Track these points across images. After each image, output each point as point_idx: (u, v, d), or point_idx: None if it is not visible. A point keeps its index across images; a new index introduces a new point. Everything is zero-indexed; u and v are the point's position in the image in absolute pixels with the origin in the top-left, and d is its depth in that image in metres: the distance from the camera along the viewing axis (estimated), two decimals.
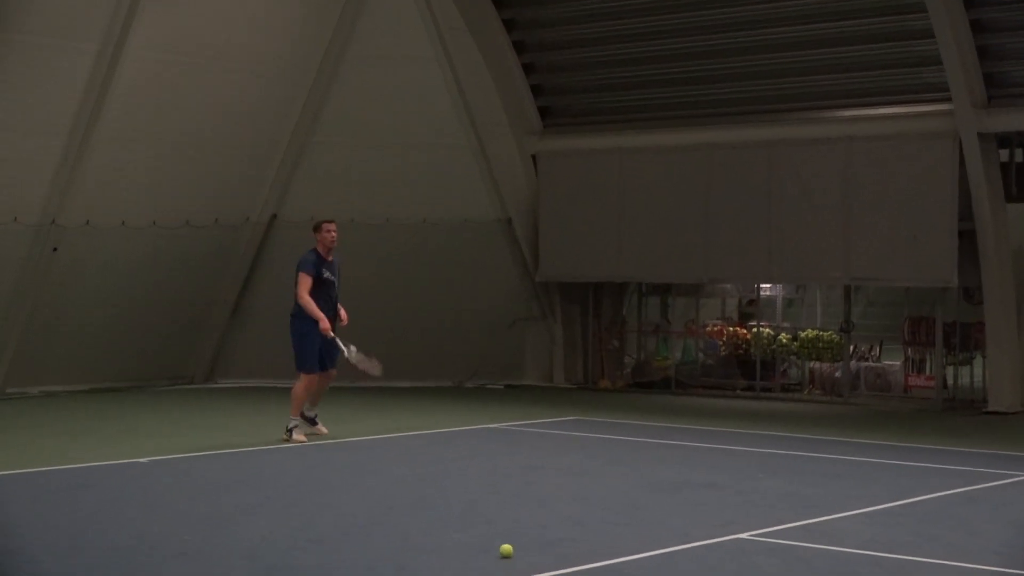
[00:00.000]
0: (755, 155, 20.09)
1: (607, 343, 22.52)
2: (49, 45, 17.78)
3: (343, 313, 14.72)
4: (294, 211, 21.26)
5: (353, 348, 14.63)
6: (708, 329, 22.34)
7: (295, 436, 14.47)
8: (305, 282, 14.33)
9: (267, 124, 20.55)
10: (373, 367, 14.83)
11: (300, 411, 14.66)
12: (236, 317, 21.50)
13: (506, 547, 8.84)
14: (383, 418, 17.36)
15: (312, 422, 14.90)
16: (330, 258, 14.60)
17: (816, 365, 21.19)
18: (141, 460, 13.15)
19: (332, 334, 14.38)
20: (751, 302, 22.43)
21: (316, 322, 14.25)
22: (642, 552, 9.04)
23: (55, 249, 18.94)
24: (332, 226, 14.60)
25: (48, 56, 17.83)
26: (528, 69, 21.92)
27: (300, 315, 14.40)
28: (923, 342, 20.19)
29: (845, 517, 10.51)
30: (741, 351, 21.69)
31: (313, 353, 14.49)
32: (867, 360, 21.38)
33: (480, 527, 9.88)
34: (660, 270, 21.31)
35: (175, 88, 19.17)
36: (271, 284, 20.89)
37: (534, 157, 22.05)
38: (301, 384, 14.57)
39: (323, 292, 14.43)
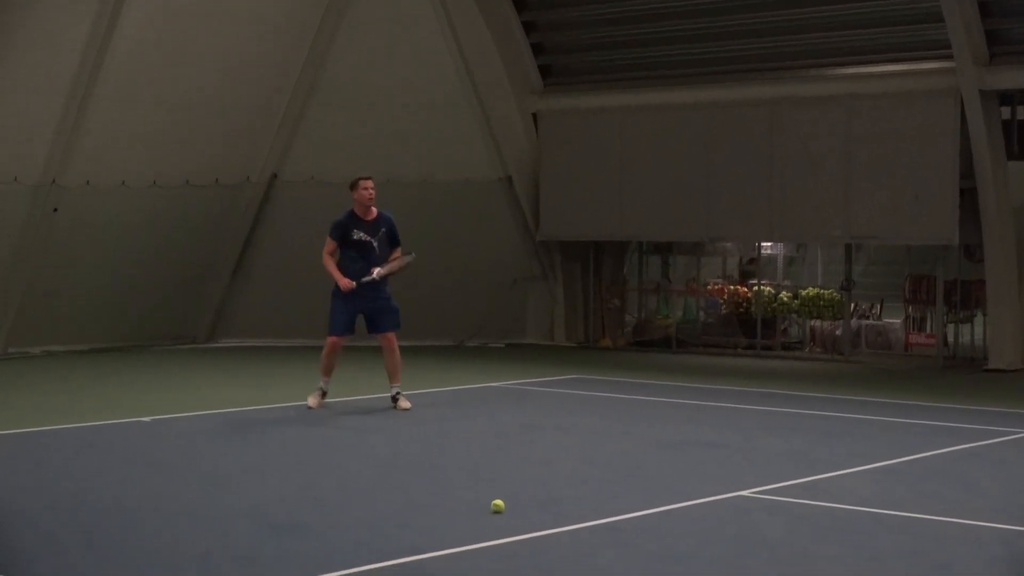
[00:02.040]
0: (756, 113, 20.05)
1: (608, 302, 22.53)
2: (49, 4, 17.72)
3: (375, 270, 13.75)
4: (294, 171, 21.26)
5: (376, 270, 13.74)
6: (709, 288, 22.36)
7: (308, 400, 14.05)
8: (327, 246, 13.83)
9: (267, 84, 20.49)
10: (400, 261, 14.01)
11: (325, 373, 14.05)
12: (237, 277, 21.50)
13: (497, 502, 8.87)
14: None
15: (392, 400, 14.16)
16: (369, 217, 13.80)
17: (817, 323, 21.21)
18: (143, 419, 13.18)
19: (354, 285, 13.63)
20: (752, 261, 22.43)
21: (337, 289, 13.76)
22: (642, 510, 9.07)
23: (55, 209, 18.95)
24: (368, 183, 13.77)
25: (48, 15, 17.77)
26: (529, 27, 21.84)
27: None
28: (924, 300, 20.21)
29: (846, 474, 10.54)
30: (742, 310, 21.70)
31: (336, 317, 13.92)
32: (868, 318, 21.40)
33: (481, 485, 9.92)
34: (661, 229, 21.31)
35: (175, 47, 19.12)
36: (272, 244, 20.93)
37: (535, 116, 22.00)
38: (325, 346, 14.10)
39: (354, 254, 13.75)
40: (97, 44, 18.22)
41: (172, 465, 10.90)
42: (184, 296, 20.95)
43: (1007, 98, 18.84)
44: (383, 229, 13.89)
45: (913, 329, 20.64)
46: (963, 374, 18.58)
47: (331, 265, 13.77)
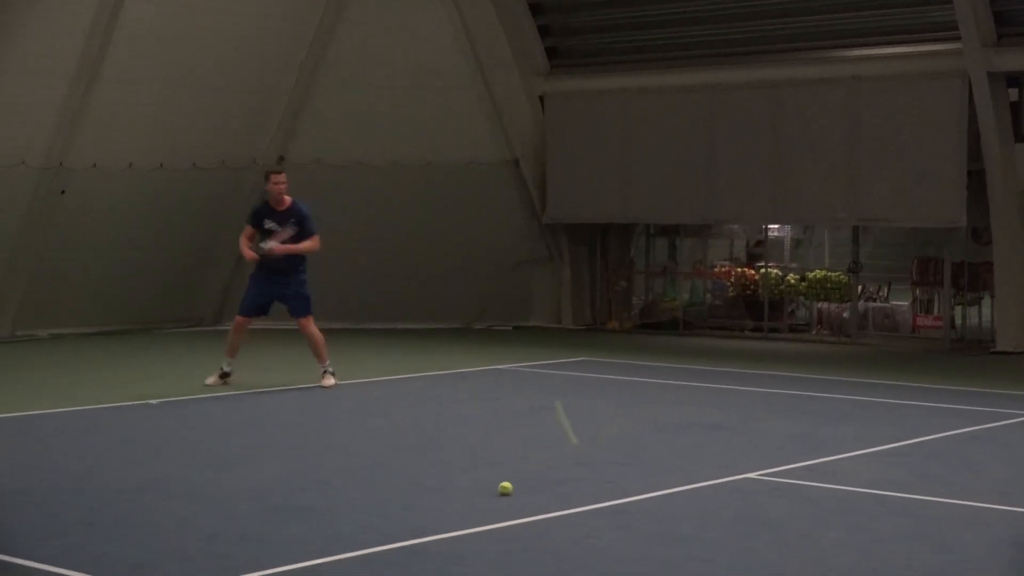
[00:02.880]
0: (761, 95, 19.99)
1: (615, 284, 22.51)
2: None
3: (271, 243, 14.25)
4: (300, 153, 21.23)
5: (271, 244, 14.27)
6: (716, 270, 22.34)
7: (208, 380, 14.39)
8: (245, 231, 14.55)
9: (273, 65, 20.46)
10: (303, 247, 14.41)
11: (230, 354, 14.47)
12: (243, 259, 21.43)
13: (505, 484, 8.89)
14: (390, 360, 17.39)
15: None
16: (280, 207, 14.34)
17: (824, 306, 21.20)
18: (151, 402, 13.20)
19: (254, 255, 14.27)
20: (759, 243, 22.41)
21: (256, 267, 14.43)
22: (648, 492, 9.07)
23: (63, 192, 18.95)
24: (278, 178, 14.41)
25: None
26: (535, 9, 21.77)
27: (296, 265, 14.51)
28: (931, 282, 20.18)
29: (851, 457, 10.54)
30: (749, 292, 21.68)
31: (245, 298, 14.68)
32: (875, 300, 21.38)
33: (486, 468, 9.92)
34: (667, 211, 21.28)
35: (181, 29, 19.09)
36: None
37: (541, 98, 21.96)
38: (232, 326, 14.87)
39: (265, 239, 14.39)
40: (102, 25, 18.21)
41: (177, 447, 10.92)
42: (190, 278, 20.96)
43: (1014, 80, 18.74)
44: (291, 219, 14.36)
45: (920, 311, 20.62)
46: (970, 356, 18.56)
47: (243, 244, 14.49)
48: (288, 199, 14.41)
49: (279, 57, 20.47)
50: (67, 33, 18.11)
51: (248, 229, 14.51)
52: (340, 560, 7.32)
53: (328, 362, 14.53)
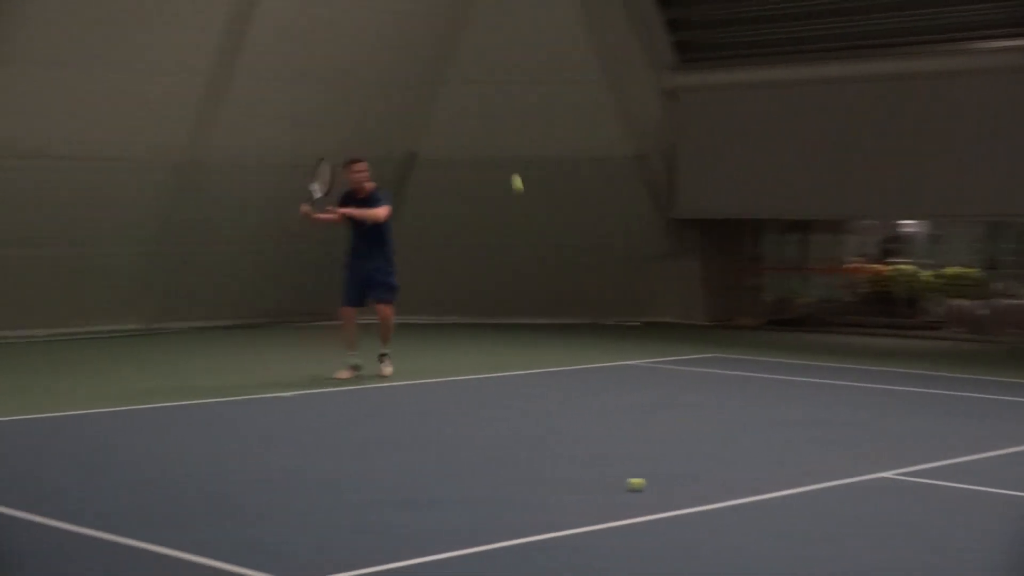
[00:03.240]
0: (897, 88, 19.66)
1: (746, 280, 22.33)
2: None
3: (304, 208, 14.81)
4: (432, 149, 21.36)
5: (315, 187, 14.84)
6: (848, 266, 22.05)
7: (340, 374, 14.64)
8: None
9: (405, 62, 20.58)
10: (321, 176, 14.95)
11: (349, 348, 14.74)
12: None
13: (636, 479, 8.85)
14: (520, 355, 17.43)
15: (379, 358, 14.95)
16: (361, 195, 14.72)
17: (959, 303, 20.81)
18: (282, 394, 13.37)
19: (308, 209, 14.67)
20: (892, 239, 22.08)
21: (350, 257, 14.85)
22: (781, 490, 8.98)
23: (198, 188, 19.27)
24: (360, 166, 14.77)
25: None
26: (663, 3, 21.62)
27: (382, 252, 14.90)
28: None
29: (989, 457, 10.34)
30: (881, 288, 21.38)
31: (344, 289, 14.95)
32: (1011, 298, 20.95)
33: (615, 463, 9.89)
34: (799, 206, 21.01)
35: (314, 25, 19.27)
36: (410, 221, 20.99)
37: (669, 93, 21.81)
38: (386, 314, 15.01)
39: (351, 228, 14.80)
40: (237, 22, 18.45)
41: (308, 439, 11.04)
42: (320, 273, 21.16)
43: None
44: (372, 205, 14.75)
45: None
46: None
47: (324, 214, 14.85)
48: (370, 186, 14.78)
49: (410, 53, 20.58)
50: (203, 29, 18.39)
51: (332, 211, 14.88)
52: (467, 554, 7.34)
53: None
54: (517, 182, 8.70)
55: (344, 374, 14.58)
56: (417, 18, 20.44)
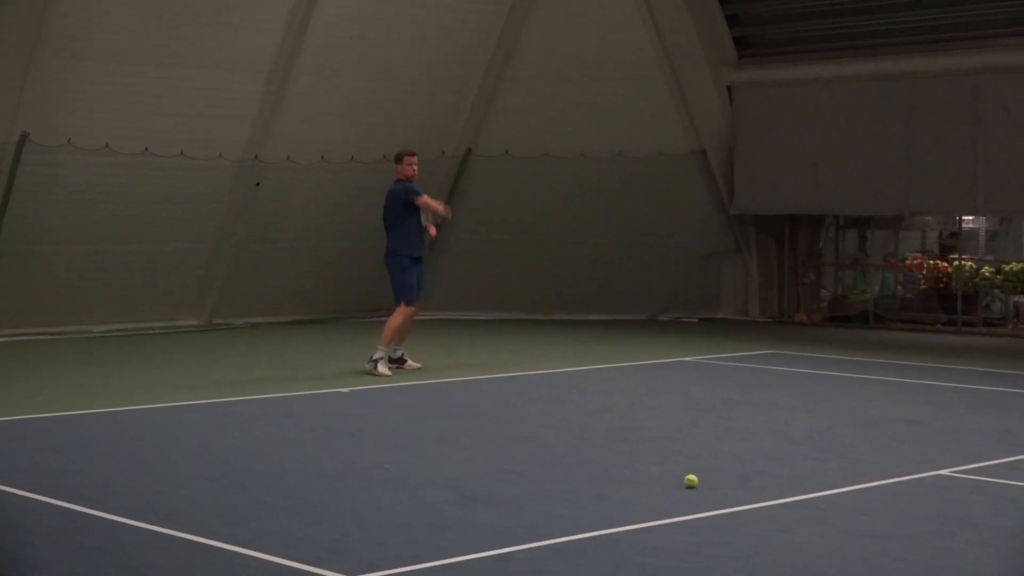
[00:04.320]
0: (958, 83, 19.51)
1: (803, 276, 22.23)
2: None
3: (432, 229, 15.19)
4: (488, 145, 21.43)
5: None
6: (908, 262, 21.91)
7: (380, 368, 14.59)
8: (423, 198, 14.80)
9: (462, 58, 20.65)
10: (439, 209, 15.23)
11: (389, 343, 14.81)
12: (432, 250, 21.74)
13: (691, 476, 8.86)
14: (578, 351, 17.44)
15: (401, 360, 15.03)
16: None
17: (1021, 299, 20.62)
18: (341, 390, 13.46)
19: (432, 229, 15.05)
20: (952, 235, 21.92)
21: (411, 259, 14.82)
22: (842, 487, 8.96)
23: (258, 184, 19.43)
24: (412, 159, 14.89)
25: None
26: None
27: (395, 252, 14.87)
28: None
29: None
30: (942, 285, 21.22)
31: (411, 285, 14.88)
32: None
33: (677, 459, 9.90)
34: (858, 202, 20.88)
35: (373, 23, 19.38)
36: (467, 217, 21.09)
37: (730, 88, 21.75)
38: (399, 316, 14.81)
39: (415, 218, 14.84)
40: (298, 20, 18.58)
41: (370, 435, 11.12)
42: (378, 268, 21.22)
43: None
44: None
45: None
46: None
47: (431, 200, 15.06)
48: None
49: (469, 50, 20.65)
50: (264, 28, 18.53)
51: (424, 196, 14.94)
52: (531, 549, 7.38)
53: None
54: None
55: (386, 370, 14.66)
56: (477, 15, 20.49)
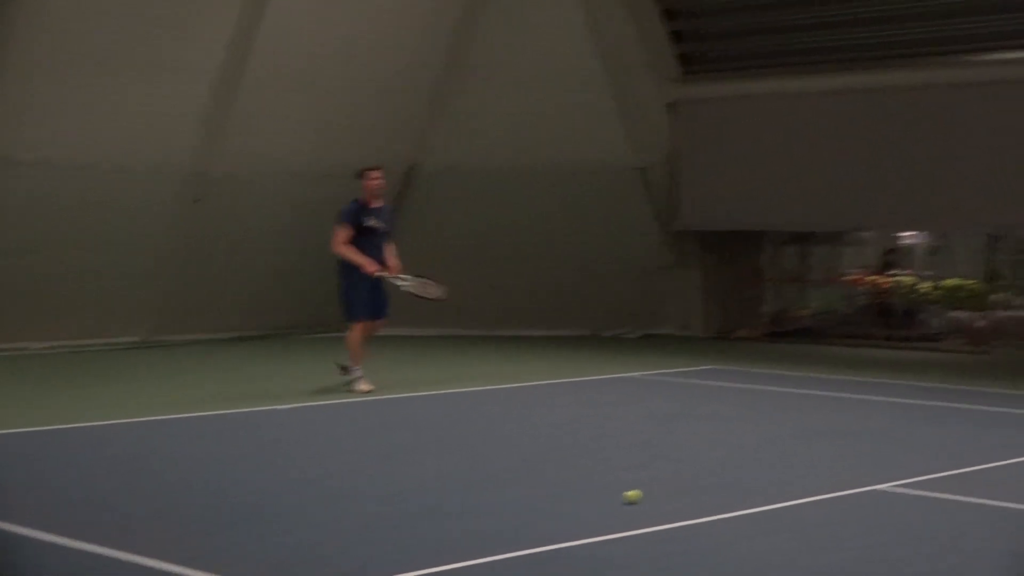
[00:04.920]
0: (898, 100, 19.71)
1: (745, 292, 22.36)
2: None
3: (392, 261, 14.52)
4: (433, 160, 21.41)
5: (408, 278, 14.52)
6: (848, 278, 22.08)
7: (359, 386, 14.35)
8: (339, 234, 14.27)
9: (408, 73, 20.59)
10: (433, 290, 14.75)
11: (359, 360, 14.45)
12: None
13: (632, 492, 8.88)
14: (521, 367, 17.45)
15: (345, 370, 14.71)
16: (375, 204, 14.48)
17: (958, 314, 20.84)
18: (279, 407, 13.39)
19: (381, 273, 14.27)
20: (892, 250, 22.12)
21: (359, 270, 14.19)
22: (783, 501, 9.01)
23: (199, 199, 19.29)
24: (377, 173, 14.49)
25: (195, 5, 18.04)
26: (669, 15, 21.67)
27: (344, 267, 14.39)
28: None
29: (991, 468, 10.36)
30: (881, 300, 21.41)
31: (361, 301, 14.41)
32: (1011, 309, 20.97)
33: (617, 474, 9.91)
34: (799, 218, 21.05)
35: (318, 36, 19.26)
36: (412, 232, 21.01)
37: (673, 104, 21.86)
38: (354, 333, 14.48)
39: (367, 240, 14.31)
40: (244, 32, 18.43)
41: (312, 452, 11.06)
42: (323, 285, 21.12)
43: None
44: (388, 218, 14.73)
45: None
46: None
47: (351, 251, 14.29)
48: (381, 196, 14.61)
49: (415, 63, 20.59)
50: (208, 40, 18.36)
51: (343, 234, 14.29)
52: (486, 563, 7.37)
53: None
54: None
55: (369, 386, 14.43)
56: (423, 28, 20.47)
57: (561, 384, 15.74)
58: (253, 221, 20.03)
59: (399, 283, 14.43)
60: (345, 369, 14.67)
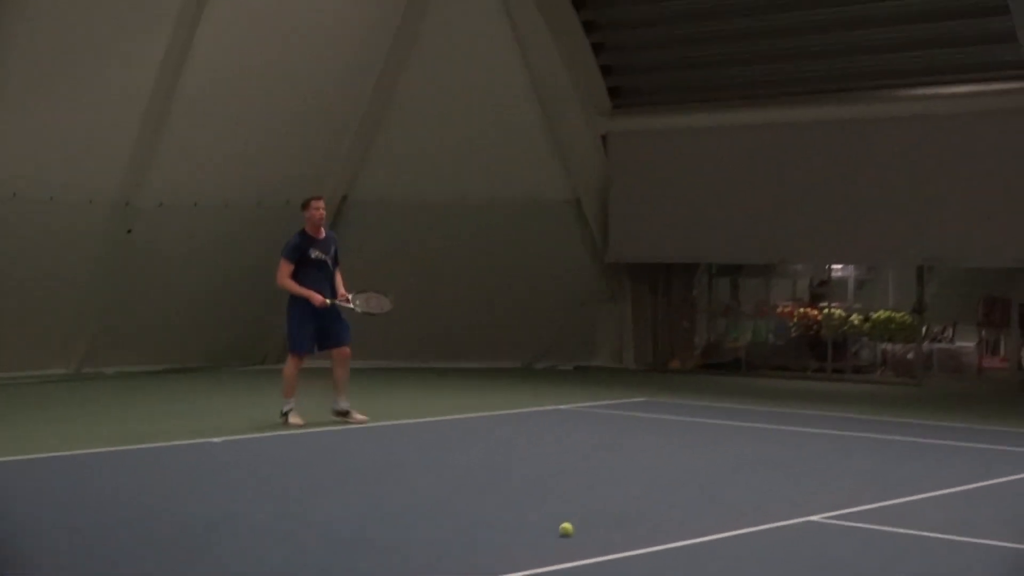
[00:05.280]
0: (828, 134, 19.90)
1: (677, 324, 22.44)
2: (125, 25, 17.84)
3: (342, 291, 14.36)
4: (365, 192, 21.35)
5: (357, 300, 14.40)
6: (779, 310, 22.22)
7: (291, 419, 14.18)
8: (283, 269, 14.10)
9: (339, 105, 20.57)
10: (382, 304, 14.65)
11: (293, 393, 14.29)
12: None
13: (566, 525, 8.84)
14: (452, 399, 17.40)
15: (345, 414, 14.41)
16: (320, 235, 14.31)
17: (888, 346, 21.02)
18: (213, 440, 13.27)
19: (328, 303, 14.07)
20: (822, 283, 22.29)
21: (305, 302, 14.02)
22: (714, 533, 9.00)
23: (129, 231, 19.13)
24: (319, 203, 14.34)
25: (124, 36, 17.92)
26: (598, 48, 21.81)
27: (290, 299, 14.25)
28: (997, 323, 20.00)
29: (919, 500, 10.42)
30: (812, 332, 21.55)
31: (303, 334, 14.21)
32: (940, 341, 21.18)
33: (551, 506, 9.89)
34: (731, 251, 21.18)
35: (248, 68, 19.18)
36: (344, 264, 20.93)
37: (604, 137, 21.96)
38: (289, 366, 14.33)
39: (313, 272, 14.14)
40: (172, 65, 18.34)
41: (242, 484, 10.97)
42: (255, 317, 21.07)
43: None
44: (333, 247, 14.48)
45: (987, 352, 20.39)
46: None
47: (295, 285, 14.10)
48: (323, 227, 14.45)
49: (345, 95, 20.57)
50: (137, 71, 18.22)
51: (288, 266, 14.11)
52: None
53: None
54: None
55: (300, 420, 14.25)
56: (354, 61, 20.43)
57: (495, 416, 15.70)
58: (183, 252, 19.88)
59: (353, 307, 14.30)
60: (344, 414, 14.38)
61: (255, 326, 21.18)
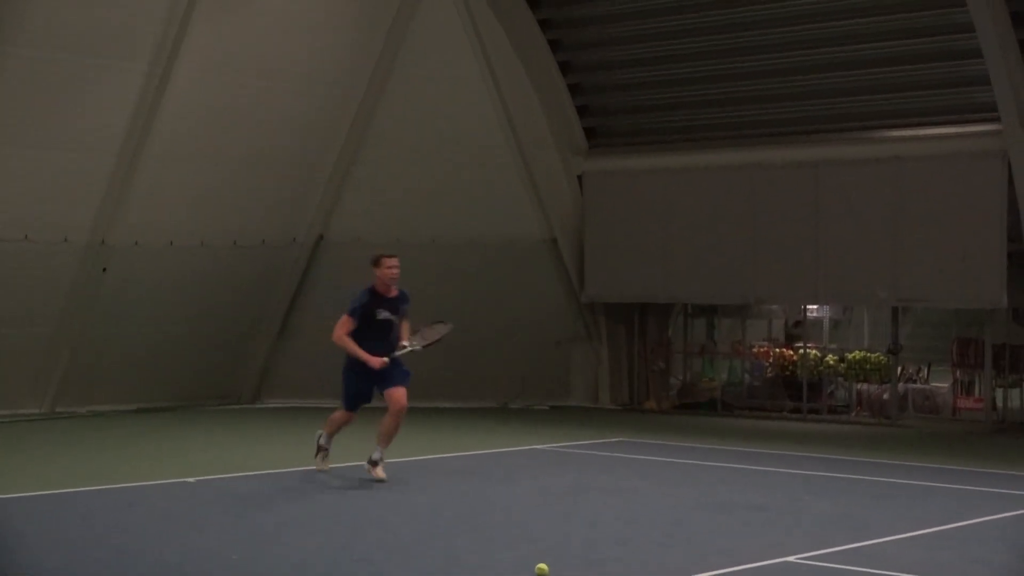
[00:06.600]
0: (803, 175, 19.99)
1: (653, 364, 22.45)
2: (99, 65, 17.88)
3: (401, 341, 13.36)
4: (340, 231, 21.35)
5: (413, 340, 13.49)
6: (754, 350, 22.25)
7: (318, 456, 13.88)
8: (343, 325, 13.07)
9: (314, 145, 20.61)
10: (438, 330, 13.82)
11: (330, 431, 13.83)
12: (282, 338, 21.59)
13: (541, 565, 8.81)
14: (427, 439, 17.35)
15: (374, 464, 13.40)
16: (391, 294, 13.26)
17: (863, 387, 21.06)
18: (188, 480, 13.21)
19: (387, 361, 13.10)
20: (797, 323, 22.34)
21: (356, 361, 13.10)
22: (692, 574, 8.99)
23: (104, 270, 19.08)
24: (394, 262, 13.19)
25: (98, 75, 17.94)
26: (574, 90, 21.91)
27: (347, 358, 13.28)
28: (972, 364, 20.06)
29: (893, 540, 10.43)
30: (788, 373, 21.59)
31: (349, 393, 13.47)
32: (915, 382, 21.24)
33: (526, 546, 9.86)
34: (706, 291, 21.23)
35: (224, 108, 19.25)
36: (317, 304, 20.97)
37: (580, 177, 22.03)
38: (336, 414, 13.80)
39: (376, 332, 13.12)
40: (147, 104, 18.37)
41: (216, 525, 10.91)
42: (230, 356, 21.03)
43: None
44: (403, 306, 13.42)
45: (961, 393, 20.46)
46: (1012, 439, 18.38)
47: (353, 345, 13.07)
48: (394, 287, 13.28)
49: (320, 137, 20.61)
50: (111, 111, 18.28)
51: (351, 323, 13.05)
52: None
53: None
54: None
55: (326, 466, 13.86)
56: (328, 102, 20.48)
57: (469, 456, 15.67)
58: (157, 292, 19.83)
59: (412, 349, 13.40)
60: (373, 464, 13.40)
61: (231, 365, 21.13)
